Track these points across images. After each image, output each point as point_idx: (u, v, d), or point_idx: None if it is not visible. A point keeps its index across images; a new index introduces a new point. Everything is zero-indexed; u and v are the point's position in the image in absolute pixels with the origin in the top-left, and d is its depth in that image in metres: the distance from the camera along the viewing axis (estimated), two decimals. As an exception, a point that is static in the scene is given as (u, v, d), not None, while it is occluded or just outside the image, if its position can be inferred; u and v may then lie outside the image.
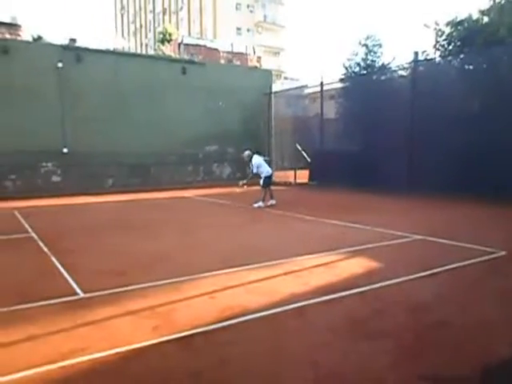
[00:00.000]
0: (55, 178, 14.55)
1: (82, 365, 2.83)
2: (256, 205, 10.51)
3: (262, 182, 10.74)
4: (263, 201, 10.60)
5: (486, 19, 14.76)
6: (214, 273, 4.87)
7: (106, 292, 4.27)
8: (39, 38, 24.76)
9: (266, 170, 10.78)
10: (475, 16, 15.02)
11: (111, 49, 22.69)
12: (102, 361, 2.89)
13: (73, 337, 3.27)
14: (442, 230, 7.24)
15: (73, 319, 3.58)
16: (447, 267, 4.98)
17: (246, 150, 11.40)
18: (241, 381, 2.70)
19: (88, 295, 4.19)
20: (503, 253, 5.59)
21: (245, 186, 11.15)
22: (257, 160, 10.81)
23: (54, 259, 5.59)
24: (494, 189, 9.75)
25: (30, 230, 7.79)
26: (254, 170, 10.79)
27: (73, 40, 15.34)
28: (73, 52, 14.62)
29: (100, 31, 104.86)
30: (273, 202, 10.71)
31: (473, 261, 5.27)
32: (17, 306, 3.88)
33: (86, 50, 15.18)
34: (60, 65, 14.19)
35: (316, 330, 3.40)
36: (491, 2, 14.86)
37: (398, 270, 4.87)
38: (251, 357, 2.98)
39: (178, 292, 4.25)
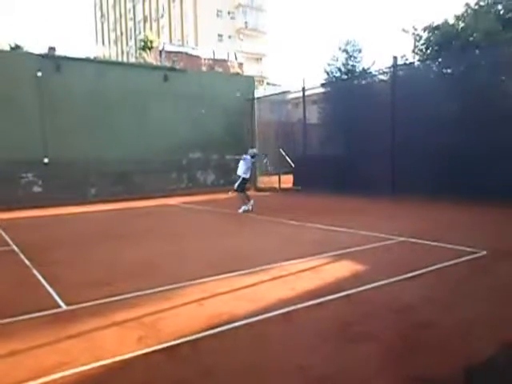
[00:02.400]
0: (36, 189, 14.28)
1: (66, 379, 2.76)
2: (241, 210, 10.49)
3: (239, 184, 10.62)
4: (246, 204, 10.56)
5: (461, 24, 15.13)
6: (202, 280, 4.83)
7: (90, 303, 4.19)
8: (17, 47, 24.41)
9: (248, 172, 10.75)
10: (451, 21, 15.39)
11: (92, 57, 22.50)
12: (86, 374, 2.83)
13: (56, 350, 3.20)
14: (425, 231, 7.33)
15: (55, 333, 3.50)
16: (431, 268, 5.05)
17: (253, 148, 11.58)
18: (229, 389, 2.67)
19: (71, 307, 4.10)
20: (484, 252, 5.70)
21: (229, 193, 11.13)
22: (249, 159, 10.76)
23: (35, 272, 5.47)
24: (475, 191, 9.93)
25: (10, 242, 7.62)
26: (247, 168, 10.65)
27: (52, 48, 15.09)
28: (52, 61, 14.43)
29: (80, 40, 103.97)
30: (245, 208, 10.61)
31: (456, 261, 5.35)
32: (-3, 321, 3.78)
33: (66, 58, 14.98)
34: (39, 74, 13.99)
35: (303, 335, 3.39)
36: (465, 8, 15.25)
37: (383, 273, 4.91)
38: (239, 364, 2.96)
39: (165, 301, 4.21)
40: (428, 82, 12.56)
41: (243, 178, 10.61)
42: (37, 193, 14.22)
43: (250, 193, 11.12)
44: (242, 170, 10.65)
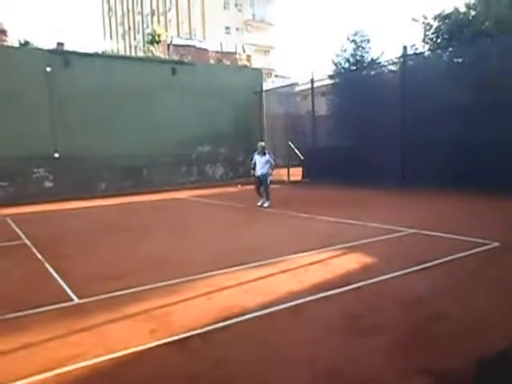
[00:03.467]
0: (47, 184, 14.44)
1: (78, 371, 2.81)
2: (266, 205, 10.29)
3: (262, 182, 10.40)
4: (267, 198, 10.38)
5: (472, 13, 14.86)
6: (211, 273, 4.86)
7: (101, 297, 4.24)
8: (26, 43, 24.57)
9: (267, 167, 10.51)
10: (462, 9, 15.12)
11: (100, 52, 22.57)
12: (98, 367, 2.88)
13: (68, 343, 3.25)
14: (435, 223, 7.27)
15: (68, 325, 3.56)
16: (442, 260, 5.01)
17: (261, 141, 11.51)
18: (238, 381, 2.69)
19: (83, 301, 4.16)
20: (496, 244, 5.63)
21: (239, 186, 11.03)
22: (267, 156, 10.50)
23: (47, 265, 5.55)
24: (487, 181, 9.81)
25: (23, 236, 7.72)
26: (272, 162, 10.44)
27: (60, 44, 15.21)
28: (61, 56, 14.50)
29: (88, 34, 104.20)
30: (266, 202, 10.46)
31: (467, 253, 5.30)
32: (11, 314, 3.85)
33: (75, 53, 15.07)
34: (48, 69, 14.08)
35: (313, 328, 3.40)
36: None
37: (393, 265, 4.89)
38: (249, 356, 2.98)
39: (174, 294, 4.24)
40: (438, 72, 12.37)
41: (264, 175, 10.34)
42: (48, 188, 14.37)
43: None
44: (261, 168, 10.34)
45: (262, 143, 10.96)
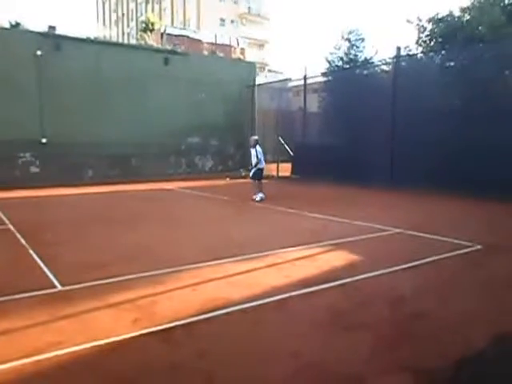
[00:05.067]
0: (33, 169, 14.23)
1: (59, 358, 2.78)
2: (258, 198, 10.31)
3: (253, 174, 10.49)
4: (262, 192, 10.40)
5: (467, 17, 14.97)
6: (197, 265, 4.85)
7: (85, 285, 4.20)
8: (17, 24, 24.01)
9: (262, 161, 10.61)
10: (456, 13, 15.23)
11: (92, 37, 22.20)
12: (79, 354, 2.85)
13: (50, 330, 3.21)
14: (421, 223, 7.35)
15: (50, 312, 3.52)
16: (427, 260, 5.07)
17: (253, 135, 11.34)
18: (221, 372, 2.69)
19: (66, 288, 4.11)
20: (479, 246, 5.72)
21: (227, 179, 11.01)
22: (260, 150, 10.53)
23: (31, 251, 5.48)
24: (473, 184, 9.93)
25: (7, 221, 7.60)
26: (260, 156, 10.42)
27: (52, 27, 14.84)
28: (52, 40, 14.25)
29: (81, 19, 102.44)
30: (262, 196, 10.47)
31: (451, 254, 5.37)
32: (-8, 299, 3.79)
33: (66, 38, 14.79)
34: (39, 53, 13.83)
35: (297, 322, 3.41)
36: (472, 0, 15.08)
37: (379, 263, 4.93)
38: (232, 349, 2.98)
39: (159, 284, 4.22)
40: (430, 74, 12.47)
41: (258, 168, 10.46)
42: (34, 173, 14.17)
43: (247, 180, 11.00)
44: (255, 160, 10.46)
45: (254, 137, 10.96)
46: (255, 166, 10.47)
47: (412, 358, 2.87)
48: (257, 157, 10.42)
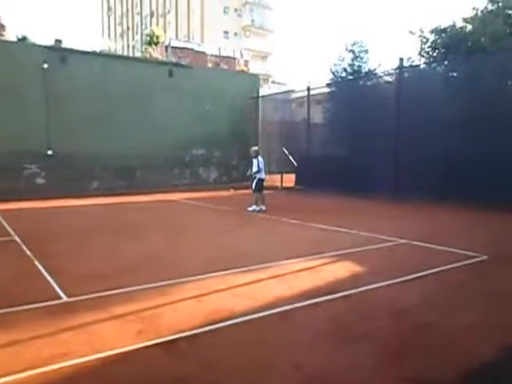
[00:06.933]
0: (39, 181, 14.33)
1: (64, 370, 2.79)
2: (250, 209, 10.43)
3: (254, 185, 10.60)
4: (257, 204, 10.50)
5: (469, 27, 15.07)
6: (201, 276, 4.85)
7: (90, 296, 4.21)
8: (24, 38, 24.41)
9: (263, 172, 10.72)
10: (459, 24, 15.33)
11: (97, 50, 22.50)
12: (84, 366, 2.86)
13: (55, 342, 3.22)
14: (426, 234, 7.32)
15: (55, 324, 3.53)
16: (432, 271, 5.05)
17: (254, 145, 11.45)
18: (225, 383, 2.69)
19: (72, 299, 4.13)
20: (485, 257, 5.69)
21: (232, 190, 11.08)
22: (261, 160, 10.69)
23: (37, 263, 5.51)
24: (478, 194, 9.91)
25: (12, 233, 7.65)
26: (261, 166, 10.55)
27: (58, 41, 15.08)
28: (58, 53, 14.45)
29: (86, 33, 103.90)
30: (263, 207, 10.53)
31: (456, 265, 5.35)
32: (-2, 311, 3.81)
33: (72, 51, 15.00)
34: (45, 66, 14.01)
35: (301, 334, 3.41)
36: (474, 11, 15.19)
37: (383, 274, 4.91)
38: (236, 360, 2.98)
39: (163, 296, 4.23)
40: (433, 85, 12.51)
41: (259, 179, 10.57)
42: (39, 184, 14.26)
43: (250, 192, 11.04)
44: (255, 169, 10.58)
45: (254, 148, 11.07)
46: (255, 173, 10.59)
47: (416, 369, 2.85)
48: (258, 166, 10.55)
